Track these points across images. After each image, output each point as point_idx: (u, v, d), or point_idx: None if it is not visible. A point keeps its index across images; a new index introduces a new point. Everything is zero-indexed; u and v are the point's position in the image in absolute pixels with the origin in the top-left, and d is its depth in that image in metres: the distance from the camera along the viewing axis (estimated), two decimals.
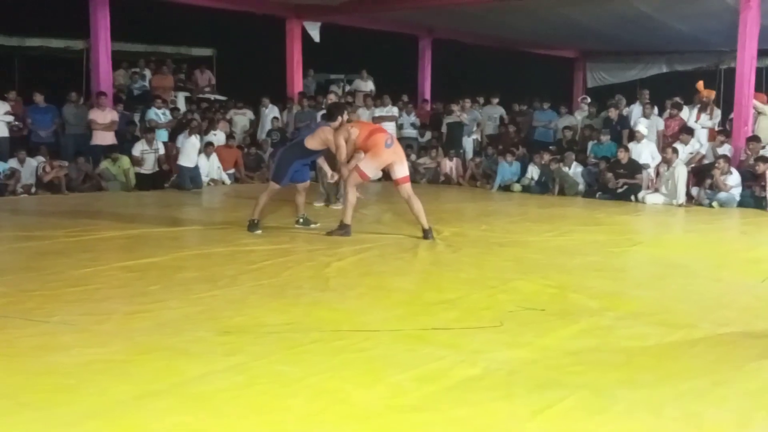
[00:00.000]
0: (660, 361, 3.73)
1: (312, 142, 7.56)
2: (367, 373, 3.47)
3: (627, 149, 11.83)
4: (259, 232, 7.54)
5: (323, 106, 14.73)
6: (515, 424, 2.95)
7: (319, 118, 10.04)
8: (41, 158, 11.58)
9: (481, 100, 15.88)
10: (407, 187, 7.47)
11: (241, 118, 15.18)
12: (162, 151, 12.57)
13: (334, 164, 7.92)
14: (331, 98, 10.33)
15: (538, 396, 3.21)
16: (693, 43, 16.66)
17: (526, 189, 12.70)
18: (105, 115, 12.42)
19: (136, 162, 12.24)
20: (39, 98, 12.64)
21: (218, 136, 13.68)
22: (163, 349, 3.80)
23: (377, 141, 7.31)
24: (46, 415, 2.96)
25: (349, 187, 7.41)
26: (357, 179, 7.42)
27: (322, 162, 8.29)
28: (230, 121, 14.91)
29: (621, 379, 3.46)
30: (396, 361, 3.64)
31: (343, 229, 7.41)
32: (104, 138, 12.39)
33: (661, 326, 4.36)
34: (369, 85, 17.30)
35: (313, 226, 7.99)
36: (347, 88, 17.85)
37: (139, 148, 12.31)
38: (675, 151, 11.26)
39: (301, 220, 8.06)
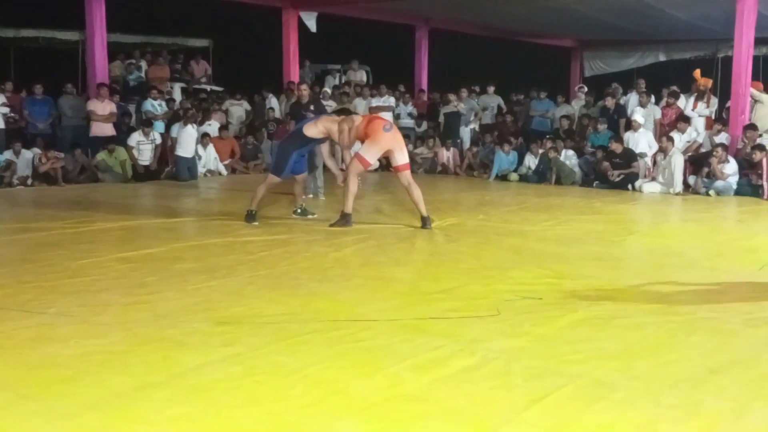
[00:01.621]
0: (658, 350, 3.74)
1: (311, 130, 7.53)
2: (365, 363, 3.48)
3: (620, 139, 11.82)
4: (255, 223, 7.53)
5: (320, 96, 14.74)
6: (513, 413, 2.95)
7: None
8: (37, 150, 11.54)
9: (478, 89, 15.85)
10: (407, 174, 7.47)
11: (237, 108, 15.14)
12: (159, 141, 12.54)
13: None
14: (303, 89, 10.38)
15: (536, 385, 3.21)
16: (690, 32, 16.63)
17: (523, 178, 12.71)
18: (104, 107, 12.38)
19: (132, 153, 12.20)
20: (38, 89, 12.61)
21: (213, 127, 13.64)
22: (161, 340, 3.80)
23: (376, 126, 7.32)
24: (45, 407, 2.96)
25: (350, 176, 7.38)
26: (358, 167, 7.40)
27: (328, 159, 8.20)
28: (226, 112, 14.87)
29: (619, 367, 3.46)
30: (394, 351, 3.65)
31: (344, 219, 7.40)
32: (103, 129, 12.35)
33: (658, 315, 4.37)
34: (361, 75, 17.25)
35: (310, 216, 7.98)
36: (343, 78, 17.81)
37: (135, 139, 12.28)
38: (671, 139, 11.26)
39: (299, 210, 8.05)
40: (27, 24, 15.86)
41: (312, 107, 9.88)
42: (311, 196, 9.68)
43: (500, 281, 5.22)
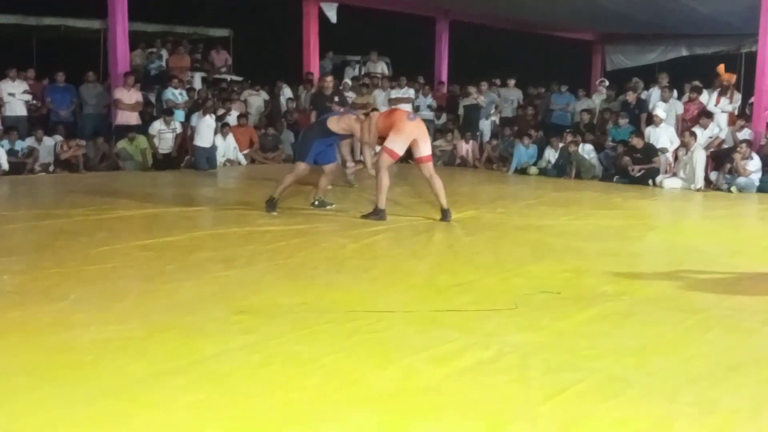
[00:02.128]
0: (674, 347, 3.72)
1: (335, 125, 7.55)
2: (381, 355, 3.49)
3: (641, 134, 11.73)
4: (274, 213, 7.54)
5: (341, 88, 14.73)
6: (528, 407, 2.95)
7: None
8: (59, 137, 11.64)
9: (498, 82, 15.78)
10: (429, 166, 7.47)
11: (256, 98, 15.16)
12: (179, 130, 12.60)
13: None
14: (328, 80, 10.34)
15: (552, 379, 3.21)
16: (714, 26, 16.44)
17: (542, 172, 12.65)
18: (131, 95, 12.45)
19: (152, 141, 12.27)
20: (61, 77, 12.71)
21: (232, 116, 13.68)
22: (179, 327, 3.83)
23: (399, 115, 7.31)
24: (64, 392, 3.00)
25: (381, 170, 7.33)
26: (388, 160, 7.35)
27: (344, 150, 8.25)
28: (245, 102, 14.90)
29: (636, 364, 3.45)
30: (410, 343, 3.65)
31: (377, 213, 7.37)
32: (128, 118, 12.43)
33: (676, 311, 4.35)
34: (381, 67, 17.22)
35: (329, 207, 7.99)
36: (363, 69, 17.79)
37: (156, 128, 12.35)
38: (693, 134, 11.16)
39: (317, 202, 8.05)
40: (49, 12, 15.95)
41: (336, 99, 9.86)
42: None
43: (517, 275, 5.20)
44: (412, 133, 7.28)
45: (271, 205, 7.60)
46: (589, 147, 12.44)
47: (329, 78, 10.55)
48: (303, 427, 2.74)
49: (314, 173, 7.95)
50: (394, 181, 10.93)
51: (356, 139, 7.78)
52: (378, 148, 7.55)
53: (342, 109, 8.40)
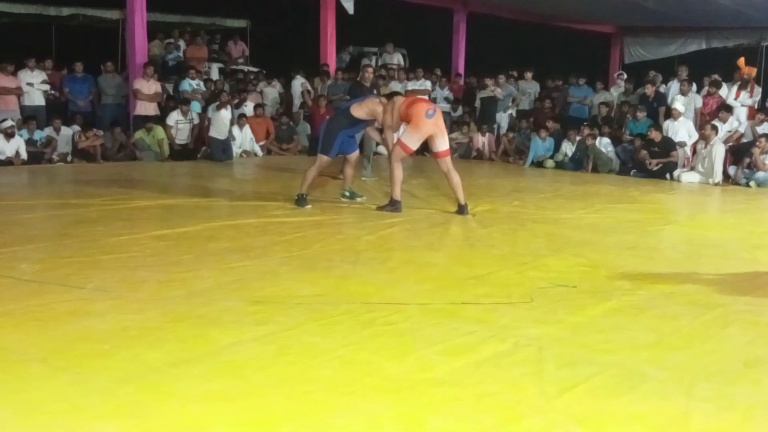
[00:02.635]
0: (691, 342, 3.70)
1: (358, 111, 7.54)
2: (397, 346, 3.49)
3: (659, 128, 11.64)
4: (309, 207, 7.48)
5: (358, 79, 14.68)
6: (544, 400, 2.94)
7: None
8: (77, 127, 11.71)
9: (516, 74, 15.70)
10: (447, 161, 7.44)
11: (271, 90, 15.17)
12: (197, 121, 12.64)
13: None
14: (369, 71, 10.11)
15: (568, 373, 3.20)
16: (734, 19, 16.27)
17: (559, 165, 12.58)
18: (150, 86, 12.50)
19: (169, 132, 12.32)
20: (79, 67, 12.78)
21: (248, 107, 13.70)
22: (196, 317, 3.85)
23: (419, 110, 7.24)
24: (81, 380, 3.02)
25: (394, 162, 7.35)
26: (401, 153, 7.37)
27: (371, 131, 8.20)
28: (261, 93, 14.92)
29: (651, 358, 3.43)
30: (425, 335, 3.65)
31: (393, 205, 7.39)
32: (147, 108, 12.48)
33: (693, 306, 4.32)
34: (398, 58, 17.16)
35: (359, 199, 7.98)
36: (380, 61, 17.76)
37: (174, 118, 12.39)
38: (714, 128, 11.06)
39: (348, 194, 8.02)
40: (68, 2, 16.03)
41: (375, 91, 9.75)
42: (363, 179, 9.73)
43: (534, 268, 5.19)
44: (429, 131, 7.28)
45: (301, 200, 7.54)
46: (606, 140, 12.37)
47: (370, 69, 10.23)
48: (318, 418, 2.75)
49: (333, 164, 7.92)
50: (411, 173, 10.96)
51: (378, 123, 7.74)
52: (401, 131, 7.50)
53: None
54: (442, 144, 7.40)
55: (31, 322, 3.71)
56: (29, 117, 11.51)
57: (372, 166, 10.13)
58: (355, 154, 7.95)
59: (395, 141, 7.42)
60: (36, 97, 12.15)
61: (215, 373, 3.12)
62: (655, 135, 11.47)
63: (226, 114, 12.48)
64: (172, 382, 3.02)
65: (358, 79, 10.43)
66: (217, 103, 12.64)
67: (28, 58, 12.19)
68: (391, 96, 7.79)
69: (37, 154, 11.11)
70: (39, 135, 11.33)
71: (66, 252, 5.30)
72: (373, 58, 18.21)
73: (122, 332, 3.59)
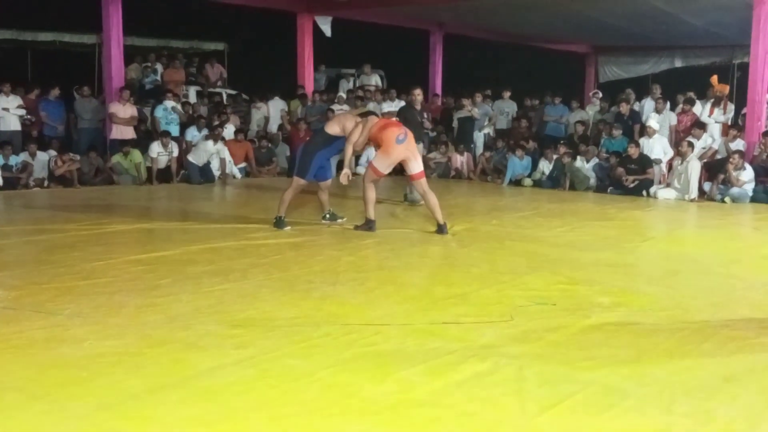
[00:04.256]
0: (671, 358, 3.72)
1: (333, 127, 7.56)
2: (377, 368, 3.48)
3: (637, 144, 11.77)
4: (288, 228, 7.46)
5: (335, 101, 14.73)
6: (525, 419, 2.94)
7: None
8: (53, 152, 11.63)
9: (490, 93, 15.80)
10: (423, 183, 7.47)
11: (257, 112, 15.18)
12: (176, 153, 12.52)
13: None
14: (417, 94, 9.84)
15: (549, 391, 3.20)
16: (706, 38, 16.55)
17: (537, 184, 12.67)
18: (125, 110, 12.45)
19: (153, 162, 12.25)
20: (55, 92, 12.71)
21: (228, 130, 13.67)
22: (174, 342, 3.82)
23: (389, 136, 7.27)
24: (58, 408, 2.98)
25: (366, 183, 7.42)
26: (372, 176, 7.44)
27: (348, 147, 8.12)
28: (247, 115, 14.90)
29: (631, 374, 3.45)
30: (406, 356, 3.65)
31: (367, 224, 7.45)
32: (123, 132, 12.43)
33: (672, 322, 4.35)
34: (375, 79, 17.24)
35: (340, 220, 7.97)
36: (357, 82, 17.84)
37: (155, 150, 12.29)
38: (691, 144, 11.20)
39: (328, 216, 8.01)
40: (45, 27, 15.99)
41: (425, 114, 9.47)
42: (407, 202, 9.70)
43: (513, 287, 5.20)
44: (399, 156, 7.34)
45: (280, 222, 7.52)
46: (583, 158, 12.47)
47: (417, 91, 9.97)
48: None
49: (310, 185, 7.90)
50: (389, 194, 10.97)
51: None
52: (365, 157, 7.52)
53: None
54: (416, 167, 7.43)
55: (7, 350, 3.66)
56: (5, 142, 11.40)
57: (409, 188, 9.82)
58: (327, 182, 7.91)
59: (367, 165, 7.45)
60: (12, 122, 12.07)
61: (195, 398, 3.10)
62: (633, 151, 11.59)
63: (211, 146, 12.44)
64: (151, 408, 2.99)
65: (409, 101, 10.16)
66: (206, 132, 12.61)
67: (3, 83, 12.11)
68: (365, 114, 7.81)
69: (13, 180, 11.02)
70: (15, 160, 11.23)
71: (42, 278, 5.24)
72: (351, 80, 18.29)
73: (100, 358, 3.55)
